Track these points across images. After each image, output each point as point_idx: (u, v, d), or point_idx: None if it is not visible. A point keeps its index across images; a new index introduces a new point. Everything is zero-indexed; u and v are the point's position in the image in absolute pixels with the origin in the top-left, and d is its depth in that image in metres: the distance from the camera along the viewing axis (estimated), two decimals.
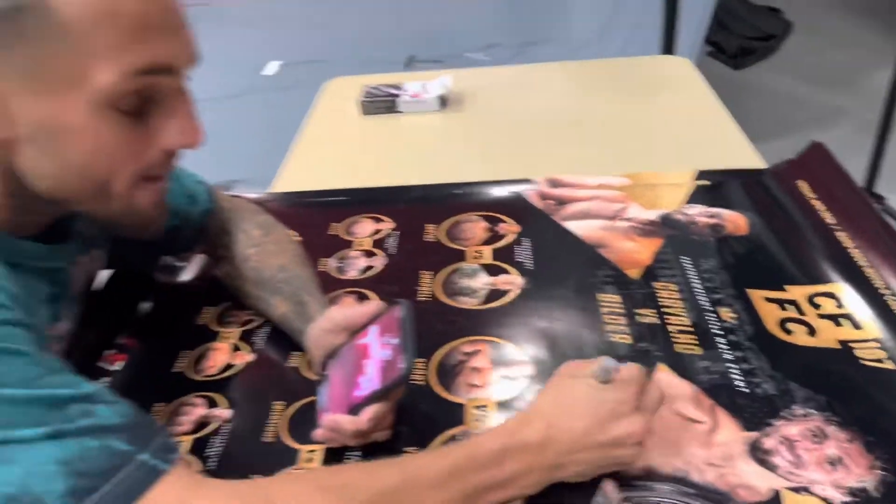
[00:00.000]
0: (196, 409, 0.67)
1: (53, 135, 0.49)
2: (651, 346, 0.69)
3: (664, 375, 0.66)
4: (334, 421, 0.60)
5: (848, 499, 0.54)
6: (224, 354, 0.73)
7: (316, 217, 0.95)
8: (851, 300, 0.72)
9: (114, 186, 0.52)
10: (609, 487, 0.55)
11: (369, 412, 0.58)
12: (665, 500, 0.55)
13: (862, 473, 0.56)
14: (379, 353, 0.60)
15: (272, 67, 3.56)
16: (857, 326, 0.69)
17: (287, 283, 0.73)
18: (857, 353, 0.66)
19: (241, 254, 0.76)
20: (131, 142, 0.51)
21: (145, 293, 0.82)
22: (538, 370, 0.68)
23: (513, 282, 0.80)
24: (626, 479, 0.56)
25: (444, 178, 1.01)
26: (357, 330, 0.64)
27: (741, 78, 3.30)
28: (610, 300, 0.76)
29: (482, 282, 0.80)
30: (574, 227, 0.89)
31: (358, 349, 0.62)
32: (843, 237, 0.80)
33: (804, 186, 0.88)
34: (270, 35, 3.88)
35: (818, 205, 0.85)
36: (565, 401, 0.55)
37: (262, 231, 0.78)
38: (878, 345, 0.67)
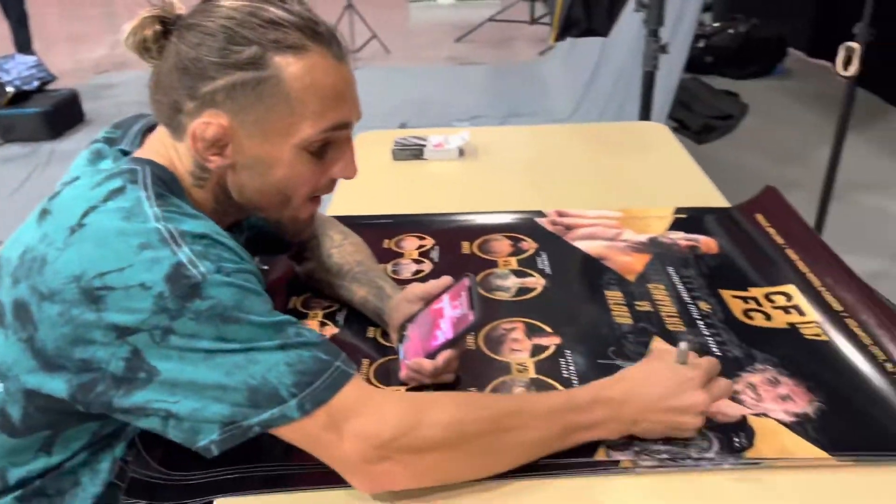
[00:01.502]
0: None
1: (265, 165, 0.72)
2: (647, 325, 0.91)
3: (659, 344, 0.87)
4: (416, 363, 0.79)
5: (793, 419, 0.75)
6: (314, 327, 0.92)
7: (369, 235, 1.16)
8: (798, 297, 0.95)
9: (293, 201, 0.75)
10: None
11: (445, 355, 0.78)
12: None
13: (804, 405, 0.77)
14: (451, 312, 0.80)
15: None
16: (801, 313, 0.92)
17: (364, 273, 0.93)
18: (802, 331, 0.89)
19: (326, 252, 0.96)
20: (313, 173, 0.74)
21: None
22: (564, 340, 0.88)
23: (537, 282, 1.01)
24: None
25: (470, 209, 1.23)
26: (431, 300, 0.84)
27: (703, 152, 3.65)
28: (614, 296, 0.97)
29: (512, 282, 1.02)
30: (581, 245, 1.11)
31: (433, 312, 0.83)
32: (790, 253, 1.03)
33: (761, 218, 1.13)
34: None
35: (772, 231, 1.09)
36: (649, 371, 0.73)
37: (342, 236, 0.99)
38: (816, 325, 0.89)
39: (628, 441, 0.72)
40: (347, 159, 0.76)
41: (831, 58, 2.07)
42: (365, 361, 0.86)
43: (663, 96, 3.04)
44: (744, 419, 0.75)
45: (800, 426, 0.73)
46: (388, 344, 0.88)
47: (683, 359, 0.73)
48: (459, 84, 4.60)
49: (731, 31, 4.50)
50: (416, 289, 0.86)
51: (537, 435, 0.68)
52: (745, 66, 4.46)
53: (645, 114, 1.88)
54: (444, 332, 0.79)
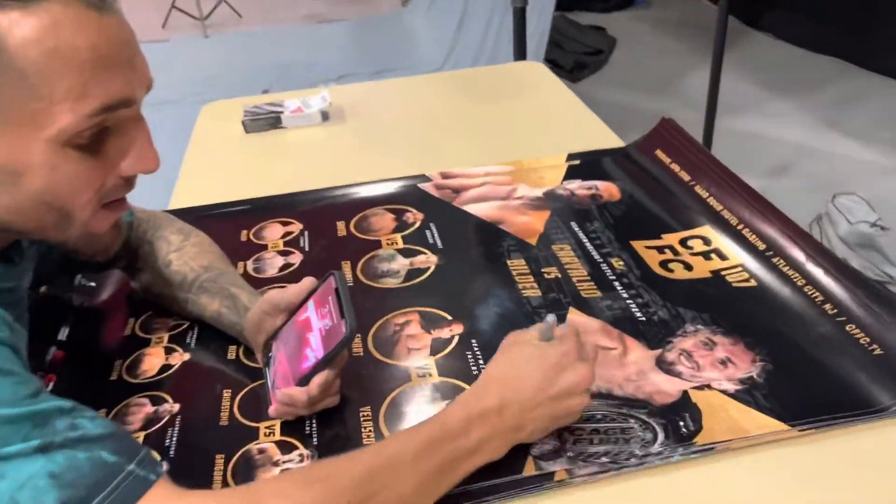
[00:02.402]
0: (142, 409, 0.67)
1: (12, 174, 0.49)
2: (559, 296, 0.78)
3: (576, 316, 0.75)
4: (286, 394, 0.63)
5: (739, 387, 0.65)
6: (158, 357, 0.74)
7: (223, 228, 0.97)
8: (716, 239, 0.85)
9: (76, 216, 0.53)
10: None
11: (318, 379, 0.62)
12: (598, 411, 0.63)
13: (747, 367, 0.67)
14: (319, 323, 0.64)
15: None
16: (723, 258, 0.82)
17: (213, 281, 0.75)
18: (728, 278, 0.79)
19: (163, 260, 0.77)
20: (90, 173, 0.52)
21: (65, 315, 0.80)
22: (467, 327, 0.74)
23: (428, 260, 0.86)
24: None
25: (341, 183, 1.06)
26: (295, 309, 0.68)
27: (577, 92, 3.61)
28: (517, 264, 0.84)
29: (400, 264, 0.86)
30: (472, 209, 0.97)
31: (299, 325, 0.66)
32: (699, 191, 0.94)
33: (661, 154, 1.02)
34: None
35: (675, 167, 0.99)
36: (514, 364, 0.59)
37: (182, 236, 0.80)
38: (742, 269, 0.80)
39: (559, 446, 0.60)
40: (140, 147, 0.54)
41: None
42: (226, 393, 0.68)
43: (537, 37, 2.94)
44: (685, 396, 0.64)
45: (748, 395, 0.63)
46: (255, 365, 0.71)
47: (549, 335, 0.61)
48: (321, 44, 4.32)
49: None
50: (274, 297, 0.68)
51: (413, 483, 0.53)
52: None
53: (520, 54, 1.75)
54: (315, 349, 0.63)
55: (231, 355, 0.73)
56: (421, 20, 4.35)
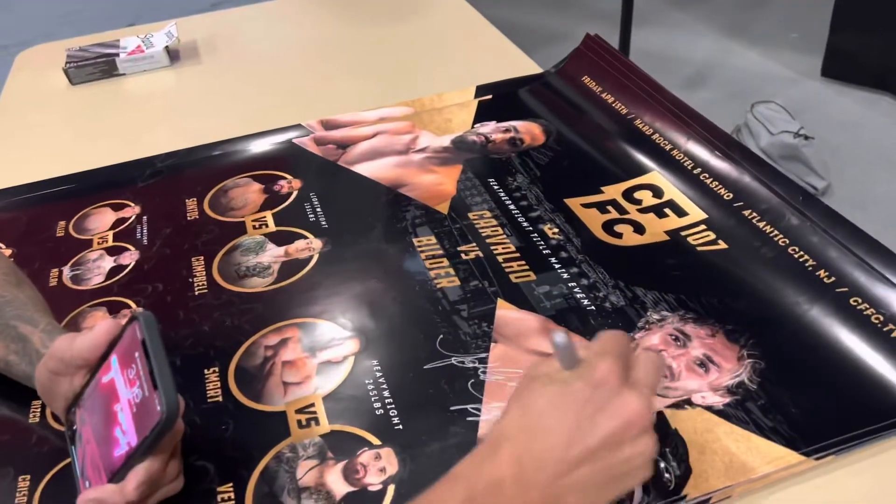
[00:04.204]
0: None
1: None
2: (483, 283, 0.60)
3: (507, 312, 0.57)
4: (93, 499, 0.42)
5: (728, 399, 0.49)
6: None
7: (32, 218, 0.73)
8: (667, 188, 0.69)
9: None
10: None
11: (137, 477, 0.41)
12: None
13: (733, 367, 0.51)
14: (128, 393, 0.43)
15: None
16: (680, 214, 0.66)
17: None
18: (690, 240, 0.63)
19: None
20: None
21: None
22: (365, 342, 0.55)
23: (309, 247, 0.66)
24: None
25: (193, 143, 0.83)
26: (97, 364, 0.46)
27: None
28: (426, 242, 0.65)
29: (272, 255, 0.65)
30: (364, 169, 0.76)
31: (103, 390, 0.45)
32: (640, 125, 0.76)
33: (589, 82, 0.84)
34: None
35: (608, 98, 0.81)
36: (532, 412, 0.39)
37: None
38: (706, 227, 0.64)
39: None
40: None
41: None
42: (22, 482, 0.47)
43: None
44: (661, 420, 0.48)
45: (741, 409, 0.48)
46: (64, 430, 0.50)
47: (572, 358, 0.40)
48: None
49: None
50: (63, 351, 0.47)
51: None
52: None
53: None
54: (127, 431, 0.42)
55: (35, 416, 0.52)
56: None
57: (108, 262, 0.66)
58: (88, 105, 0.98)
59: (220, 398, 0.52)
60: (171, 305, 0.60)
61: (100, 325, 0.46)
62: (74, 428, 0.46)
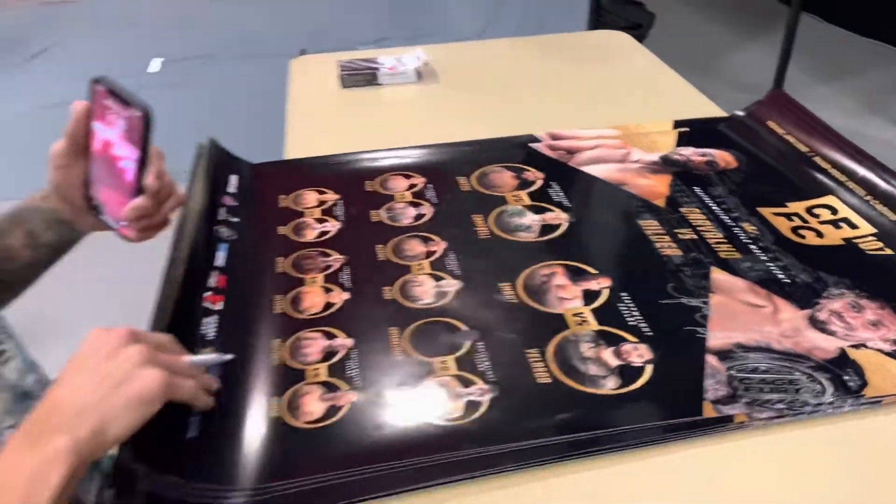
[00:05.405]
0: (317, 342, 0.70)
1: None
2: (699, 255, 0.81)
3: (720, 275, 0.77)
4: (131, 209, 0.63)
5: (894, 347, 0.67)
6: (318, 296, 0.76)
7: (348, 177, 0.99)
8: (842, 209, 0.88)
9: None
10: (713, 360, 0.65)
11: (151, 175, 0.63)
12: (761, 363, 0.66)
13: None
14: (114, 133, 0.62)
15: (155, 65, 3.42)
16: (853, 227, 0.84)
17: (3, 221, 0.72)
18: (861, 246, 0.81)
19: None
20: None
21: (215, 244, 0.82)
22: (616, 281, 0.77)
23: (558, 217, 0.89)
24: (723, 353, 0.67)
25: (439, 142, 1.08)
26: (84, 143, 0.66)
27: None
28: (649, 224, 0.86)
29: (531, 219, 0.88)
30: (591, 170, 0.99)
31: (99, 153, 0.65)
32: (820, 161, 0.95)
33: (774, 125, 1.04)
34: (149, 33, 3.72)
35: (791, 138, 1.01)
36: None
37: None
38: (875, 238, 0.82)
39: (732, 392, 0.62)
40: None
41: None
42: (393, 331, 0.71)
43: (580, 10, 2.93)
44: (843, 353, 0.67)
45: None
46: (417, 306, 0.74)
47: None
48: (355, 7, 4.29)
49: None
50: (55, 148, 0.65)
51: None
52: None
53: (595, 22, 1.75)
54: (128, 155, 0.62)
55: (387, 295, 0.76)
56: None
57: (412, 211, 0.91)
58: (355, 103, 1.26)
59: (515, 301, 0.74)
60: (468, 243, 0.84)
61: (73, 108, 0.64)
62: (95, 203, 0.68)
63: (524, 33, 3.14)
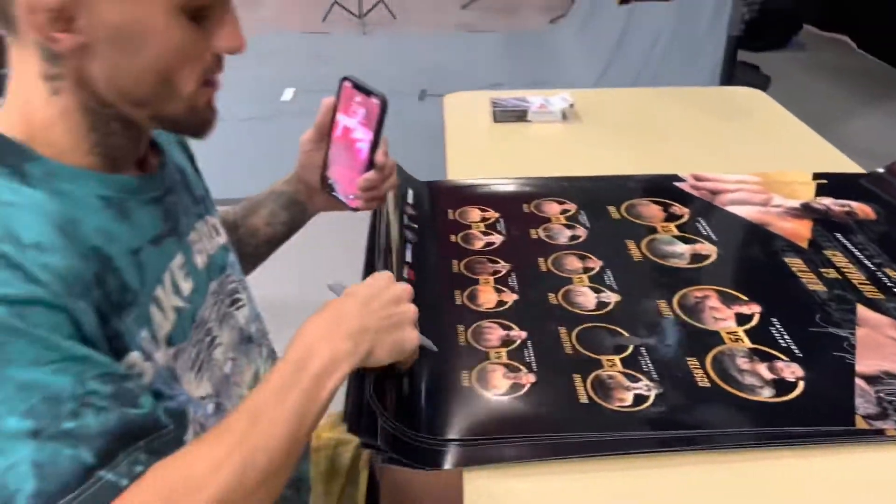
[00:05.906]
0: (496, 331, 0.80)
1: (132, 36, 0.54)
2: (844, 293, 0.87)
3: (866, 311, 0.83)
4: (364, 180, 0.75)
5: None
6: (491, 294, 0.87)
7: (506, 198, 1.10)
8: None
9: (181, 87, 0.58)
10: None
11: (380, 154, 0.75)
12: None
13: None
14: (354, 121, 0.75)
15: (288, 94, 3.70)
16: None
17: (246, 203, 0.88)
18: None
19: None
20: (195, 43, 0.57)
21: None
22: (765, 308, 0.84)
23: (708, 249, 0.96)
24: (871, 378, 0.73)
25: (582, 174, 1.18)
26: (328, 131, 0.78)
27: None
28: (794, 262, 0.93)
29: (682, 248, 0.96)
30: (734, 210, 1.06)
31: (339, 139, 0.77)
32: None
33: None
34: (284, 65, 4.03)
35: None
36: (329, 309, 0.64)
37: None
38: None
39: (882, 411, 0.68)
40: (230, 27, 0.59)
41: (844, 31, 2.03)
42: (562, 330, 0.80)
43: (706, 69, 3.00)
44: None
45: None
46: (578, 311, 0.83)
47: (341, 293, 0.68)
48: (472, 52, 4.51)
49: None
50: (306, 134, 0.81)
51: (284, 428, 0.54)
52: (758, 37, 4.43)
53: (727, 79, 1.83)
54: (364, 139, 0.74)
55: (553, 300, 0.85)
56: (570, 38, 4.46)
57: (568, 232, 1.01)
58: (507, 137, 1.38)
59: (672, 316, 0.83)
60: (623, 263, 0.93)
61: (323, 102, 0.78)
62: (329, 182, 0.80)
63: (640, 85, 3.24)
